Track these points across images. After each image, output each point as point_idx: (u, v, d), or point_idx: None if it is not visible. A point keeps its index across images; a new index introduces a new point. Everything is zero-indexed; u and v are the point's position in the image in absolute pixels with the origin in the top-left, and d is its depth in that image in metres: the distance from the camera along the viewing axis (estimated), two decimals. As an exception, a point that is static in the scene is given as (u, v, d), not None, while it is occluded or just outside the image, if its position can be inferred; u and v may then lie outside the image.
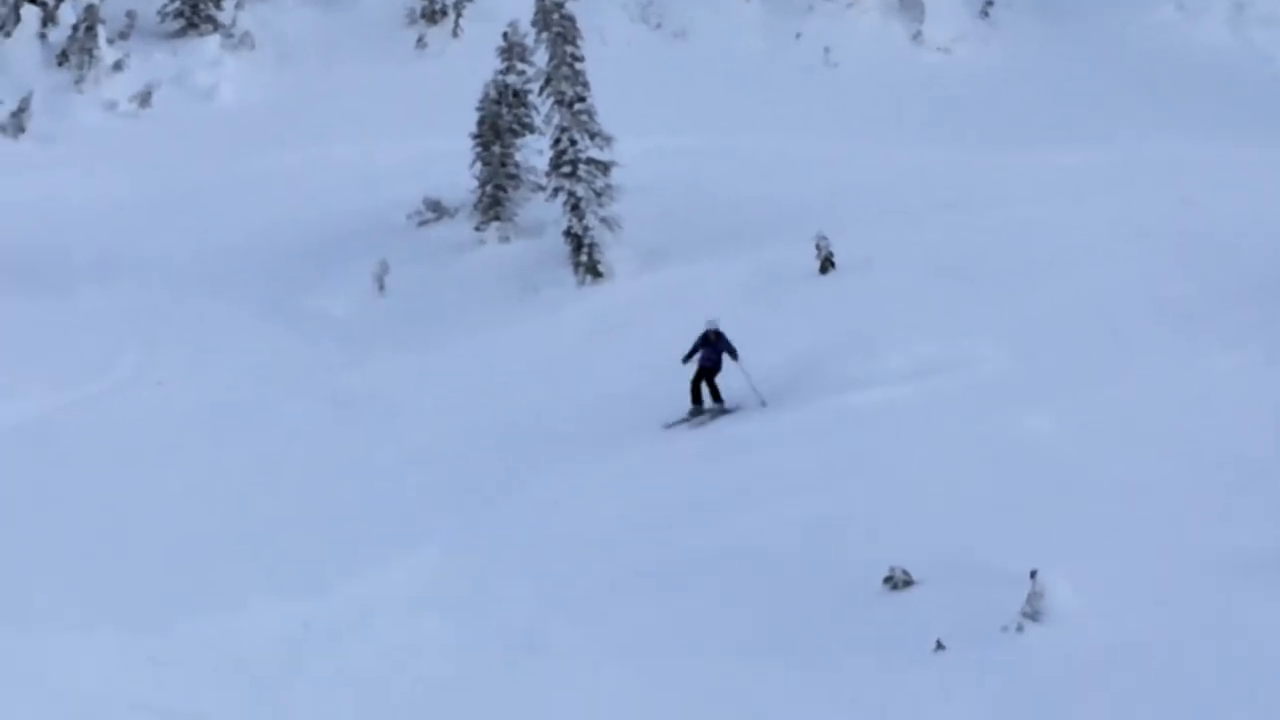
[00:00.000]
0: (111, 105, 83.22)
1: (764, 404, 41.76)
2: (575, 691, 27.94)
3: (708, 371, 41.82)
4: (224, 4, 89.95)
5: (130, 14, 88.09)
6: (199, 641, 31.86)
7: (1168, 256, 45.29)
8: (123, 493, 42.36)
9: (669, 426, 41.08)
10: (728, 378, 42.27)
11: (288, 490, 40.90)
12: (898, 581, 29.36)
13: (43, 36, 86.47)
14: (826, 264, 49.13)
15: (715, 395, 42.25)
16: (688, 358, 41.94)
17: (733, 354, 41.80)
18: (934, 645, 26.42)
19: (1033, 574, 26.83)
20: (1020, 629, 26.21)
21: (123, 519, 40.48)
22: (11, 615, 32.97)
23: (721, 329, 41.77)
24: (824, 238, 49.38)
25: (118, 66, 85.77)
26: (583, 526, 35.98)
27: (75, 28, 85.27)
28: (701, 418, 41.94)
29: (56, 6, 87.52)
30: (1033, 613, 26.41)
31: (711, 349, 41.84)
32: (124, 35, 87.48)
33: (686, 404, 42.62)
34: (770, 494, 36.43)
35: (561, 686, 28.21)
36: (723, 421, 42.13)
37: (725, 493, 36.43)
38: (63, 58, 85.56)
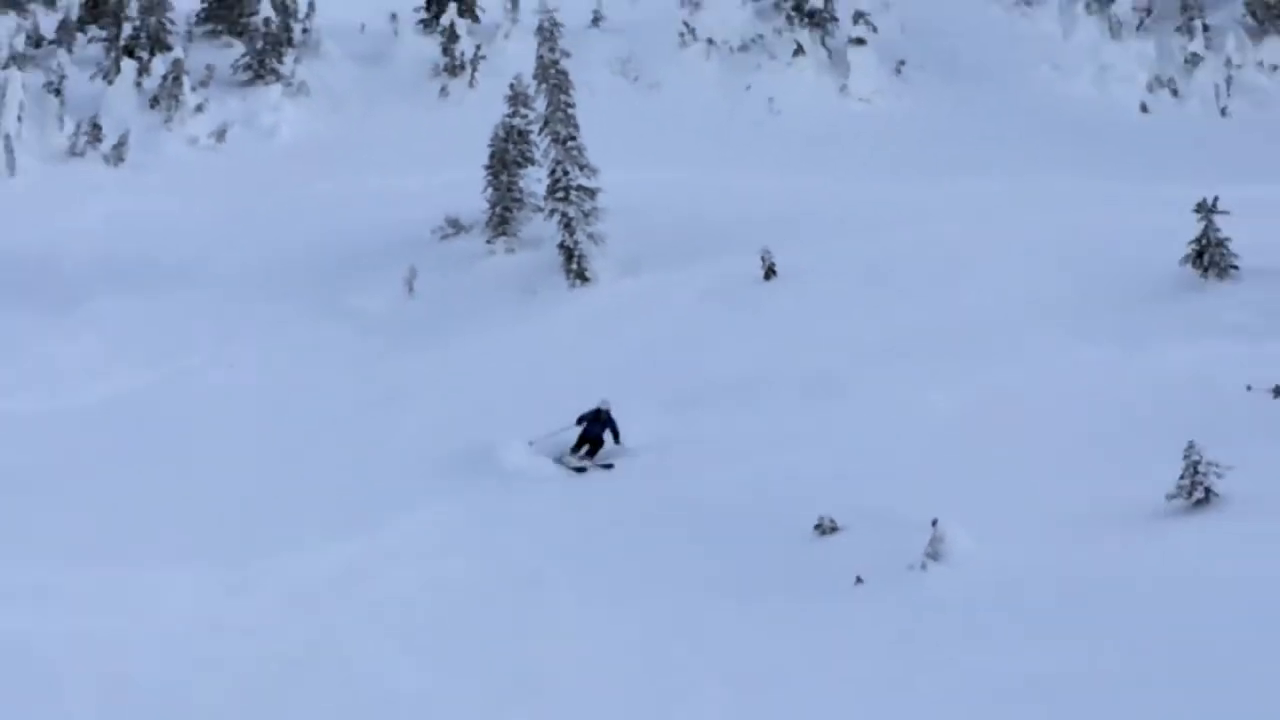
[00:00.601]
0: (193, 141, 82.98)
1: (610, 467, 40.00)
2: (566, 614, 28.75)
3: (592, 440, 40.11)
4: (285, 60, 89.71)
5: (209, 67, 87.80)
6: (266, 574, 32.68)
7: (1047, 267, 45.45)
8: (200, 454, 42.96)
9: (557, 461, 40.25)
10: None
11: (334, 454, 41.25)
12: (825, 528, 29.81)
13: (138, 84, 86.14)
14: (770, 272, 49.39)
15: (591, 455, 40.26)
16: (579, 421, 40.20)
17: (615, 436, 40.06)
18: (854, 580, 26.59)
19: (934, 522, 27.00)
20: (924, 567, 26.60)
21: (201, 475, 40.94)
22: (117, 554, 33.82)
23: (612, 413, 40.01)
24: (768, 251, 49.63)
25: (198, 109, 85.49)
26: (571, 485, 36.16)
27: (165, 77, 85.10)
28: (576, 468, 40.23)
29: (150, 60, 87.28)
30: (934, 554, 26.74)
31: (598, 425, 39.93)
32: (204, 84, 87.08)
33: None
34: (724, 458, 36.62)
35: (555, 612, 28.91)
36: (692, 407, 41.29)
37: (689, 456, 36.73)
38: (154, 101, 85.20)
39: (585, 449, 40.15)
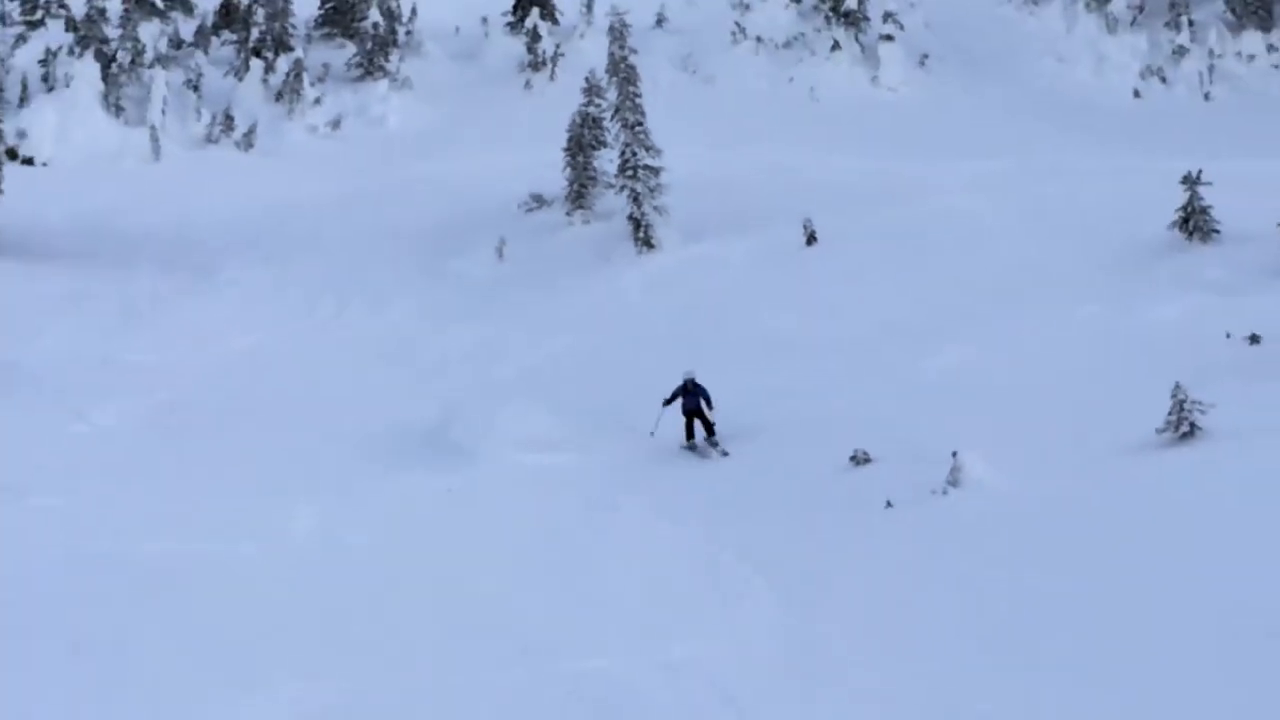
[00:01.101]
0: (312, 129, 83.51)
1: (725, 454, 35.41)
2: (635, 534, 28.70)
3: (692, 412, 36.22)
4: (391, 58, 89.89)
5: (325, 65, 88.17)
6: (376, 499, 32.68)
7: (1053, 232, 45.12)
8: (321, 397, 43.17)
9: (683, 448, 36.71)
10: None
11: (437, 396, 40.99)
12: (859, 459, 29.71)
13: (265, 81, 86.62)
14: (811, 238, 49.01)
15: (708, 429, 36.10)
16: (668, 402, 36.59)
17: (708, 402, 35.87)
18: (885, 503, 26.58)
19: (954, 454, 26.96)
20: (945, 492, 26.44)
21: (321, 416, 40.97)
22: (251, 488, 33.53)
23: (698, 380, 36.25)
24: (809, 220, 49.33)
25: (316, 102, 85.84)
26: (639, 420, 36.29)
27: (287, 74, 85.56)
28: (696, 451, 36.46)
29: (274, 59, 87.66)
30: (954, 481, 26.63)
31: (691, 397, 36.01)
32: (321, 80, 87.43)
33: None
34: (773, 400, 36.90)
35: (626, 532, 28.86)
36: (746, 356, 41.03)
37: (751, 397, 37.02)
38: (278, 95, 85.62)
39: (692, 429, 36.67)
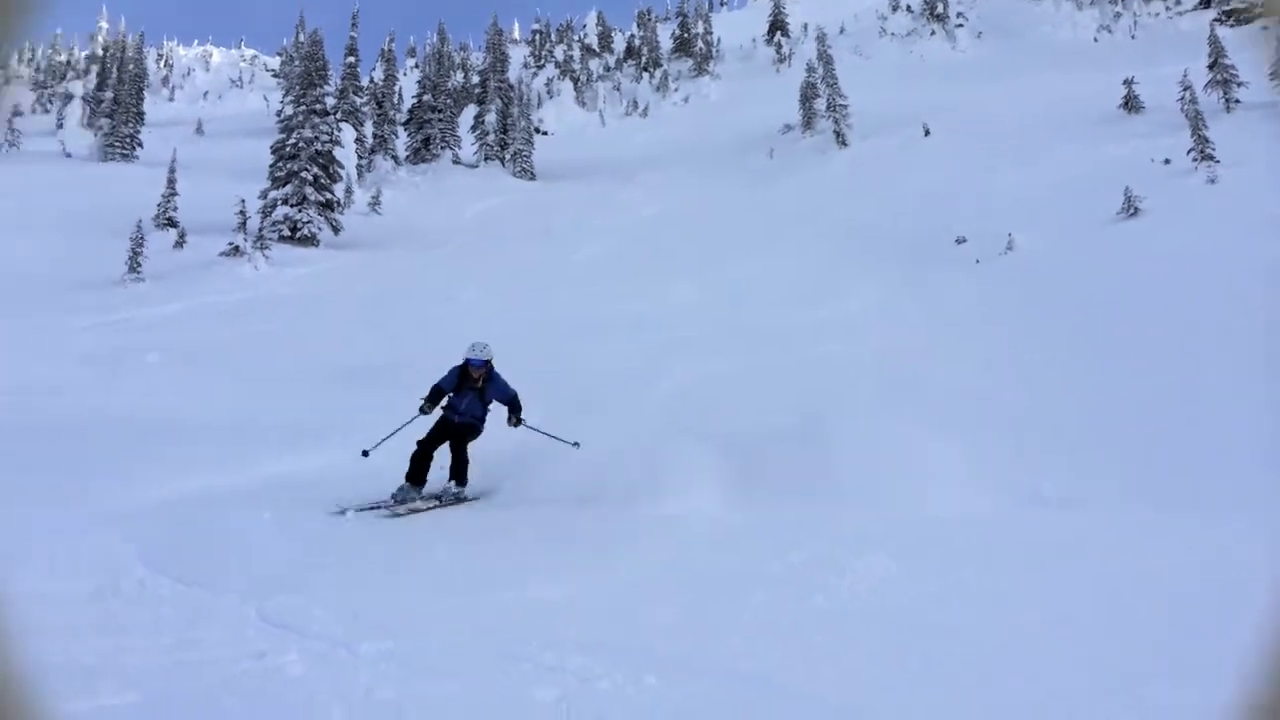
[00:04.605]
0: (674, 105, 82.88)
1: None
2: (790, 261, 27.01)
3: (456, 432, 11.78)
4: (709, 64, 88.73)
5: (679, 70, 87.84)
6: (729, 276, 28.14)
7: (1050, 111, 42.45)
8: (703, 225, 38.20)
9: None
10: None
11: (764, 205, 37.40)
12: (960, 239, 28.83)
13: (650, 82, 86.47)
14: (926, 132, 46.83)
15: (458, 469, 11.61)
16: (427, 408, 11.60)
17: (514, 410, 11.79)
18: (974, 260, 26.07)
19: (1009, 235, 26.23)
20: (1004, 254, 25.72)
21: (701, 233, 36.20)
22: (652, 273, 29.33)
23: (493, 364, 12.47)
24: (926, 123, 47.28)
25: (675, 90, 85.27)
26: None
27: (662, 77, 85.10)
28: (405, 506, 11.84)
29: (654, 71, 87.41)
30: (1010, 247, 25.86)
31: (463, 400, 11.58)
32: (676, 78, 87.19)
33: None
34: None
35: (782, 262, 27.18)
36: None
37: (896, 207, 34.13)
38: (657, 88, 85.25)
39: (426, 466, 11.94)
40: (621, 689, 5.48)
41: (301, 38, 68.39)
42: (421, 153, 59.24)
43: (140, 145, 61.31)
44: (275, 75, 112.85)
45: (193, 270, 33.54)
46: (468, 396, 11.41)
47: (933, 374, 16.34)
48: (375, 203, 47.40)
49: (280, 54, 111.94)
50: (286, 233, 39.84)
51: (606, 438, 11.79)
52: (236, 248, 35.20)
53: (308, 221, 40.56)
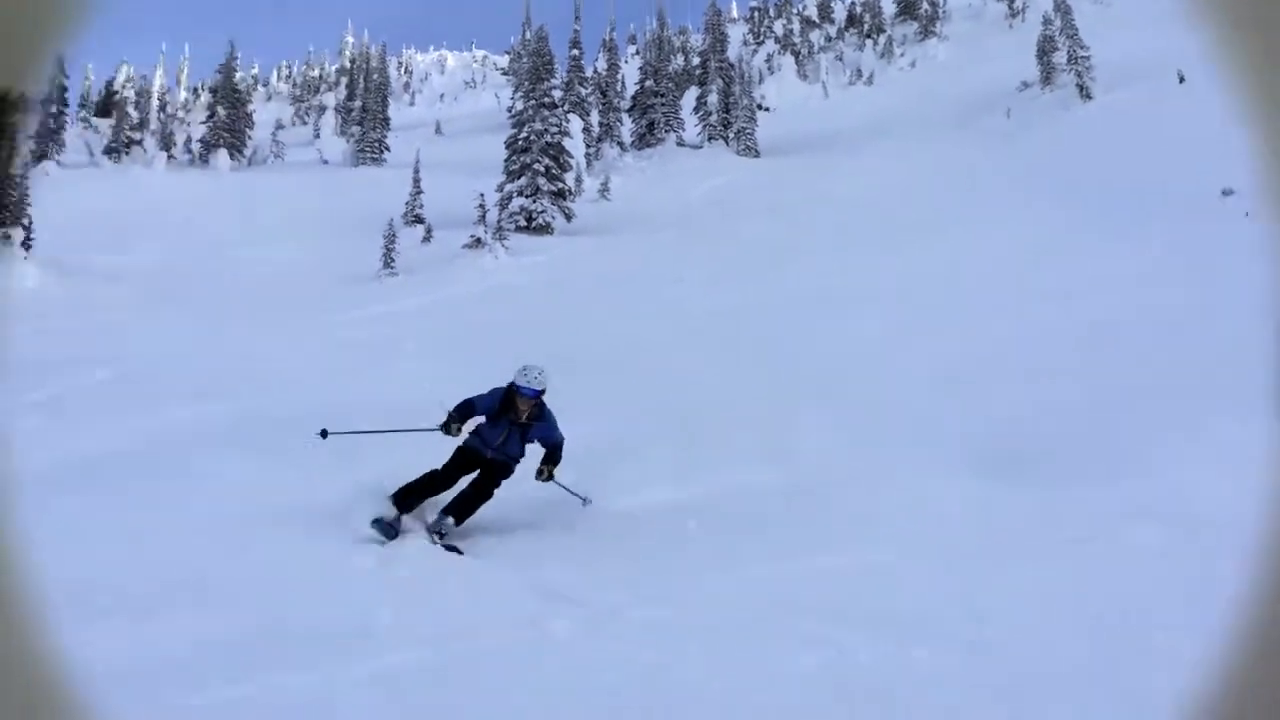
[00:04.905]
0: (900, 70, 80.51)
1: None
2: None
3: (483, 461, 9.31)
4: (935, 26, 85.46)
5: (904, 35, 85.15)
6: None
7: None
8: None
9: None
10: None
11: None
12: (1228, 191, 26.20)
13: (875, 48, 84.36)
14: (1181, 79, 42.97)
15: (469, 502, 9.09)
16: (454, 423, 9.04)
17: (553, 453, 9.39)
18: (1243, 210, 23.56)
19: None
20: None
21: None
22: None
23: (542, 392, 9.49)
24: (1181, 70, 43.34)
25: (901, 55, 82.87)
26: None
27: (886, 44, 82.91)
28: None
29: (878, 36, 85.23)
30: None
31: (496, 431, 9.04)
32: (902, 43, 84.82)
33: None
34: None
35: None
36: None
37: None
38: (882, 54, 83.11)
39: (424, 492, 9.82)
40: (883, 662, 5.50)
41: (528, 35, 70.91)
42: (646, 138, 60.23)
43: (388, 149, 65.36)
44: (504, 73, 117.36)
45: (439, 263, 35.31)
46: (504, 430, 8.89)
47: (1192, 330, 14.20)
48: (604, 189, 48.59)
49: (508, 53, 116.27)
50: (523, 223, 41.58)
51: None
52: (478, 239, 37.02)
53: (542, 211, 42.19)
